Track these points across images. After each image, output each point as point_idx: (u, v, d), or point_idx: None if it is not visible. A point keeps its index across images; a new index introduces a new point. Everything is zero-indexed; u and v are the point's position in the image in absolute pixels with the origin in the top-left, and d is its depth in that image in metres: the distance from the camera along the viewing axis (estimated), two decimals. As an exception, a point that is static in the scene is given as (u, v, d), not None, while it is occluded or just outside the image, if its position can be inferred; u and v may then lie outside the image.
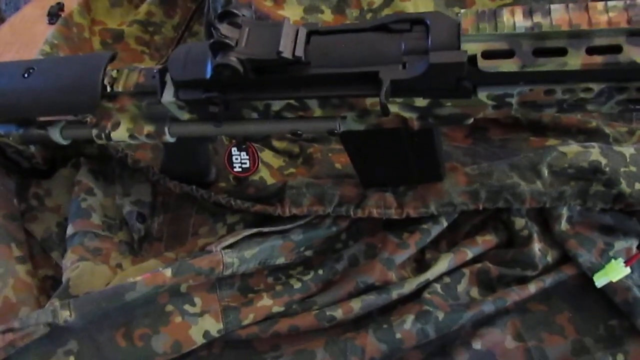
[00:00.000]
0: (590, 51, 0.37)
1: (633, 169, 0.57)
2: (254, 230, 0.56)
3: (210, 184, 0.63)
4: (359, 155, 0.54)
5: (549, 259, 0.58)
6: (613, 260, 0.43)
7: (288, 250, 0.57)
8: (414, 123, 0.45)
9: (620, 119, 0.68)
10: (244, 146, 0.58)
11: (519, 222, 0.59)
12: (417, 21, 0.41)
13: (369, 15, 0.65)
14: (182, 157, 0.58)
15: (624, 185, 0.56)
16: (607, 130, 0.64)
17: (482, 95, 0.41)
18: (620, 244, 0.60)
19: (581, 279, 0.58)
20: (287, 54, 0.41)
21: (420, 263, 0.60)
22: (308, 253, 0.59)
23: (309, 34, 0.43)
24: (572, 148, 0.58)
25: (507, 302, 0.55)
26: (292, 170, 0.65)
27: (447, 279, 0.57)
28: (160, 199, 0.65)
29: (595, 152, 0.57)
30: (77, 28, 0.72)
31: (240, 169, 0.59)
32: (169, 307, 0.53)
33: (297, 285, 0.56)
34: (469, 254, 0.58)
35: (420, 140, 0.50)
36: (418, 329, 0.53)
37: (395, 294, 0.55)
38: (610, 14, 0.37)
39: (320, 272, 0.57)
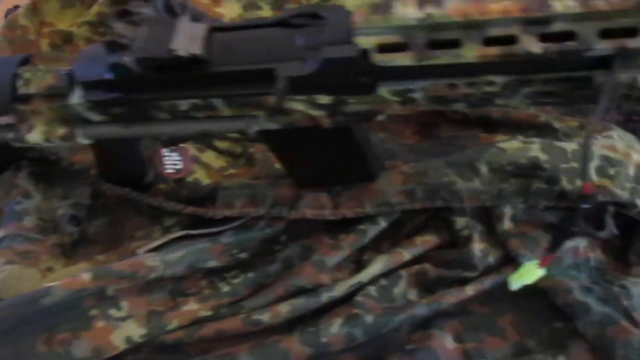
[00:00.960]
0: (486, 42, 0.35)
1: (575, 165, 0.54)
2: (181, 232, 0.55)
3: (149, 186, 0.62)
4: (284, 155, 0.52)
5: (491, 259, 0.56)
6: (527, 263, 0.41)
7: (218, 252, 0.55)
8: (324, 121, 0.44)
9: (577, 113, 0.66)
10: (173, 147, 0.56)
11: (460, 222, 0.57)
12: (316, 15, 0.40)
13: (309, 11, 0.63)
14: (112, 159, 0.57)
15: (564, 182, 0.54)
16: (557, 124, 0.62)
17: (383, 91, 0.39)
18: (566, 244, 0.58)
19: (525, 279, 0.56)
20: (181, 51, 0.40)
21: (359, 265, 0.58)
22: (243, 255, 0.58)
23: (211, 31, 0.42)
24: (512, 144, 0.56)
25: (442, 305, 0.53)
26: (232, 171, 0.64)
27: (383, 281, 0.56)
28: (101, 202, 0.64)
29: (535, 148, 0.55)
30: (21, 30, 0.71)
31: (172, 170, 0.58)
32: (94, 312, 0.52)
33: (226, 288, 0.55)
34: (406, 255, 0.56)
35: (341, 139, 0.48)
36: (345, 332, 0.51)
37: (325, 297, 0.53)
38: (505, 2, 0.35)
39: (251, 275, 0.56)
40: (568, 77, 0.36)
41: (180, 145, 0.57)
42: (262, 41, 0.41)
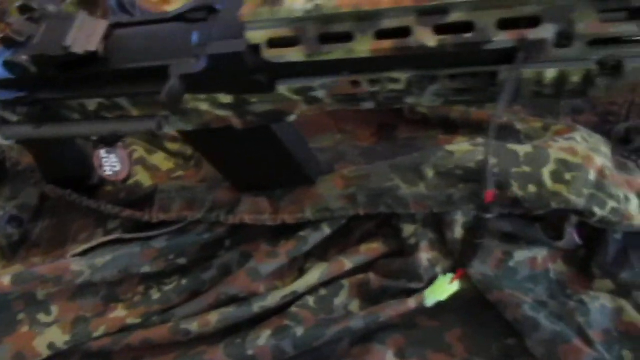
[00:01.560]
0: (379, 35, 0.32)
1: (527, 169, 0.50)
2: (113, 237, 0.54)
3: (95, 187, 0.61)
4: (212, 158, 0.50)
5: (439, 269, 0.52)
6: (441, 277, 0.37)
7: (151, 258, 0.54)
8: (235, 121, 0.41)
9: (547, 114, 0.62)
10: (111, 148, 0.55)
11: (408, 229, 0.54)
12: (213, 9, 0.37)
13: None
14: (51, 161, 0.56)
15: (515, 188, 0.50)
16: (519, 126, 0.58)
17: (283, 89, 0.37)
18: (522, 254, 0.54)
19: (477, 292, 0.52)
20: (76, 48, 0.38)
21: (302, 273, 0.56)
22: (181, 261, 0.56)
23: (111, 27, 0.40)
24: (461, 147, 0.53)
25: (380, 317, 0.50)
26: (180, 173, 0.62)
27: (323, 291, 0.53)
28: (49, 203, 0.63)
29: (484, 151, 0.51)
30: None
31: (111, 172, 0.57)
32: (21, 316, 0.51)
33: (157, 295, 0.53)
34: (348, 264, 0.53)
35: (265, 141, 0.46)
36: (273, 345, 0.48)
37: (257, 307, 0.51)
38: (397, -8, 0.31)
39: (184, 282, 0.53)
40: (473, 73, 0.33)
41: (119, 146, 0.55)
42: (160, 37, 0.39)
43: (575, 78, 0.31)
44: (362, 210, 0.53)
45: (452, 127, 0.61)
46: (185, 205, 0.55)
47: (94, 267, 0.51)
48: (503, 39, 0.30)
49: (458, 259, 0.35)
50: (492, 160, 0.50)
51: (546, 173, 0.50)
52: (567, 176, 0.50)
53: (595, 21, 0.29)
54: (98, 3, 0.80)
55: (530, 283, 0.53)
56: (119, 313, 0.51)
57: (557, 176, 0.50)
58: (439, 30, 0.31)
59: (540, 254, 0.54)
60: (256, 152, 0.47)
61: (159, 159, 0.63)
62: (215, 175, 0.60)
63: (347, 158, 0.59)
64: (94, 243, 0.53)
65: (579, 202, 0.49)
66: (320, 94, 0.37)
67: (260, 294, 0.52)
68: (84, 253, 0.53)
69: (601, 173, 0.51)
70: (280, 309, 0.52)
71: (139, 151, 0.62)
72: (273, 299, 0.51)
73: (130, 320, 0.51)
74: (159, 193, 0.56)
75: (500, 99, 0.30)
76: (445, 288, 0.37)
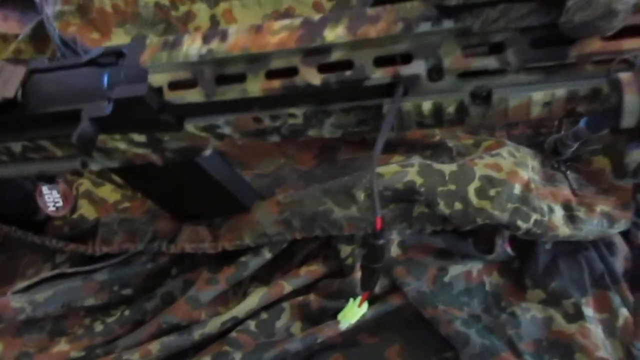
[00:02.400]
0: (269, 75, 0.34)
1: (452, 187, 0.52)
2: (55, 272, 0.55)
3: (42, 222, 0.62)
4: (145, 191, 0.52)
5: (376, 288, 0.54)
6: (351, 300, 0.38)
7: (94, 290, 0.55)
8: (154, 158, 0.43)
9: (483, 129, 0.63)
10: (52, 184, 0.56)
11: (345, 250, 0.56)
12: (121, 53, 0.39)
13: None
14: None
15: (442, 206, 0.51)
16: (451, 143, 0.59)
17: (190, 127, 0.38)
18: (457, 269, 0.55)
19: (415, 307, 0.53)
20: (-6, 96, 0.39)
21: (245, 298, 0.57)
22: (126, 292, 0.57)
23: (30, 73, 0.41)
24: (390, 168, 0.54)
25: (318, 338, 0.51)
26: (127, 204, 0.63)
27: (264, 315, 0.54)
28: (0, 240, 0.64)
29: (412, 172, 0.53)
30: None
31: (54, 208, 0.58)
32: (-35, 355, 0.52)
33: (100, 327, 0.54)
34: (287, 287, 0.54)
35: (192, 174, 0.47)
36: (211, 371, 0.49)
37: (197, 335, 0.52)
38: (281, 34, 0.33)
39: (127, 312, 0.55)
40: (362, 106, 0.34)
41: (59, 182, 0.57)
42: (74, 81, 0.40)
43: (451, 108, 0.32)
44: (299, 234, 0.55)
45: (389, 147, 0.62)
46: (127, 237, 0.56)
47: (34, 302, 0.52)
48: (380, 75, 0.32)
49: (361, 284, 0.37)
50: (419, 180, 0.52)
51: (471, 190, 0.52)
52: (492, 192, 0.52)
53: (459, 56, 0.31)
54: (49, 40, 0.82)
55: (466, 296, 0.54)
56: (63, 347, 0.52)
57: (481, 192, 0.52)
58: (322, 69, 0.33)
59: (476, 267, 0.56)
60: (186, 184, 0.49)
61: (106, 191, 0.64)
62: (160, 205, 0.62)
63: (287, 182, 0.60)
64: (35, 279, 0.54)
65: (503, 216, 0.51)
66: (226, 130, 0.38)
67: (201, 321, 0.53)
68: (26, 289, 0.54)
69: (526, 187, 0.53)
70: (221, 335, 0.53)
71: (85, 184, 0.63)
72: (213, 326, 0.52)
73: (74, 354, 0.52)
74: (101, 226, 0.57)
75: (382, 130, 0.32)
76: (355, 311, 0.38)
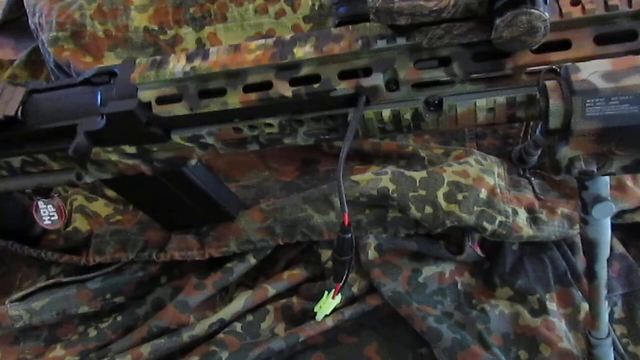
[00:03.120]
0: (246, 89, 0.38)
1: (422, 192, 0.56)
2: (50, 281, 0.58)
3: (38, 236, 0.65)
4: (136, 202, 0.55)
5: (355, 290, 0.58)
6: (326, 293, 0.42)
7: (87, 298, 0.58)
8: (144, 168, 0.47)
9: (453, 140, 0.68)
10: (47, 199, 0.59)
11: (325, 254, 0.59)
12: (113, 73, 0.43)
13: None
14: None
15: (413, 210, 0.55)
16: (423, 153, 0.64)
17: (176, 138, 0.42)
18: (430, 270, 0.59)
19: (391, 307, 0.57)
20: (-4, 114, 0.43)
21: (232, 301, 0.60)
22: (118, 300, 0.60)
23: (29, 93, 0.45)
24: (365, 176, 0.58)
25: (300, 337, 0.54)
26: (118, 217, 0.66)
27: (249, 317, 0.57)
28: (-3, 254, 0.67)
29: (385, 179, 0.57)
30: None
31: (49, 221, 0.61)
32: (-37, 364, 0.54)
33: (93, 333, 0.56)
34: (271, 290, 0.58)
35: (180, 184, 0.51)
36: (201, 370, 0.52)
37: (186, 337, 0.55)
38: (257, 52, 0.37)
39: (119, 318, 0.57)
40: (330, 115, 0.38)
41: (54, 196, 0.60)
42: (70, 99, 0.44)
43: (407, 115, 0.37)
44: (281, 240, 0.58)
45: (367, 158, 0.67)
46: (119, 247, 0.59)
47: (31, 310, 0.55)
48: (344, 87, 0.36)
49: (333, 277, 0.40)
50: (392, 187, 0.56)
51: (440, 195, 0.56)
52: (459, 196, 0.56)
53: (412, 69, 0.35)
54: (43, 65, 0.86)
55: (439, 295, 0.58)
56: (58, 352, 0.55)
57: (450, 197, 0.56)
58: (294, 82, 0.37)
59: (448, 268, 0.59)
60: (175, 194, 0.52)
61: (99, 206, 0.67)
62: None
63: (270, 193, 0.64)
64: (31, 288, 0.57)
65: (470, 218, 0.55)
66: (209, 140, 0.42)
67: (190, 324, 0.56)
68: (22, 298, 0.56)
69: (492, 191, 0.57)
70: (209, 337, 0.56)
71: (79, 199, 0.66)
72: (201, 328, 0.55)
73: (69, 359, 0.55)
74: (94, 238, 0.60)
75: (347, 134, 0.36)
76: (329, 303, 0.42)
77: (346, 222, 0.36)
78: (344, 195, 0.36)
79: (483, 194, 0.56)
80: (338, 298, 0.41)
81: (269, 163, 0.70)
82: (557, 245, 0.59)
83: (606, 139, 0.31)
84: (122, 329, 0.57)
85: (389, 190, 0.56)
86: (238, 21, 0.66)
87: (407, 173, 0.57)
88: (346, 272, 0.39)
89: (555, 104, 0.30)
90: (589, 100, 0.29)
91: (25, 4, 0.72)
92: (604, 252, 0.44)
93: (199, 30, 0.67)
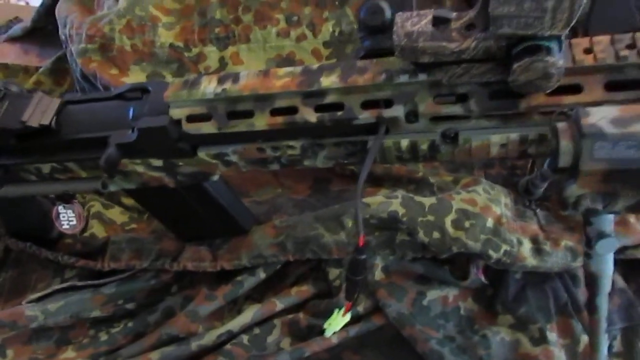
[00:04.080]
0: (273, 112, 0.40)
1: (431, 218, 0.58)
2: (66, 284, 0.59)
3: (56, 240, 0.67)
4: (155, 212, 0.57)
5: (360, 309, 0.59)
6: (336, 310, 0.44)
7: (101, 303, 0.59)
8: (168, 181, 0.49)
9: (462, 168, 0.70)
10: (68, 204, 0.61)
11: (333, 272, 0.61)
12: (145, 89, 0.45)
13: (206, 79, 0.70)
14: (13, 215, 0.62)
15: (421, 235, 0.57)
16: (432, 179, 0.66)
17: (202, 154, 0.44)
18: (434, 293, 0.60)
19: (395, 328, 0.58)
20: (33, 122, 0.45)
21: (240, 314, 0.61)
22: (130, 306, 0.61)
23: (64, 104, 0.47)
24: (376, 199, 0.60)
25: (305, 352, 0.56)
26: (133, 225, 0.68)
27: (257, 330, 0.59)
28: (13, 255, 0.69)
29: (395, 203, 0.59)
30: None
31: (68, 226, 0.63)
32: (-21, 360, 0.56)
33: (104, 337, 0.58)
34: (279, 305, 0.59)
35: (199, 197, 0.53)
36: (207, 379, 0.54)
37: (195, 346, 0.56)
38: (285, 79, 0.40)
39: (130, 324, 0.59)
40: (351, 142, 0.41)
41: (74, 202, 0.62)
42: (103, 112, 0.46)
43: (424, 146, 0.39)
44: (292, 256, 0.60)
45: (378, 181, 0.69)
46: (134, 255, 0.61)
47: (47, 312, 0.57)
48: (366, 116, 0.38)
49: (345, 295, 0.42)
50: (402, 210, 0.58)
51: (448, 221, 0.58)
52: (466, 223, 0.58)
53: (431, 103, 0.37)
54: (67, 74, 0.88)
55: (442, 319, 0.59)
56: (69, 354, 0.56)
57: (457, 224, 0.57)
58: (318, 109, 0.39)
59: (452, 292, 0.61)
60: (192, 207, 0.54)
61: (115, 213, 0.69)
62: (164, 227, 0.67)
63: (283, 210, 0.66)
64: (48, 290, 0.59)
65: (476, 246, 0.57)
66: (233, 158, 0.44)
67: (199, 333, 0.58)
68: (38, 299, 0.58)
69: (498, 220, 0.59)
70: (217, 347, 0.57)
71: (96, 206, 0.68)
72: (209, 338, 0.57)
73: (79, 361, 0.56)
74: (110, 244, 0.62)
75: (366, 161, 0.38)
76: (339, 320, 0.43)
77: (361, 243, 0.38)
78: (360, 218, 0.38)
79: (490, 222, 0.58)
80: (348, 316, 0.43)
81: (282, 180, 0.72)
82: (560, 277, 0.61)
83: (612, 180, 0.33)
84: (133, 334, 0.59)
85: (398, 213, 0.58)
86: (260, 43, 0.69)
87: (417, 198, 0.59)
88: (358, 291, 0.41)
89: (565, 144, 0.32)
90: (597, 143, 0.31)
91: (56, 15, 0.75)
92: (606, 286, 0.45)
93: (223, 50, 0.69)
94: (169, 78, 0.70)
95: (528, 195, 0.67)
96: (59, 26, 0.74)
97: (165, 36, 0.69)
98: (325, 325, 0.43)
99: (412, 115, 0.38)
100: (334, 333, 0.57)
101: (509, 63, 0.33)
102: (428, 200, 0.59)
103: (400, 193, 0.60)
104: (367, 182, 0.70)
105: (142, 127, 0.42)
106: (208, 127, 0.42)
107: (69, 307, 0.58)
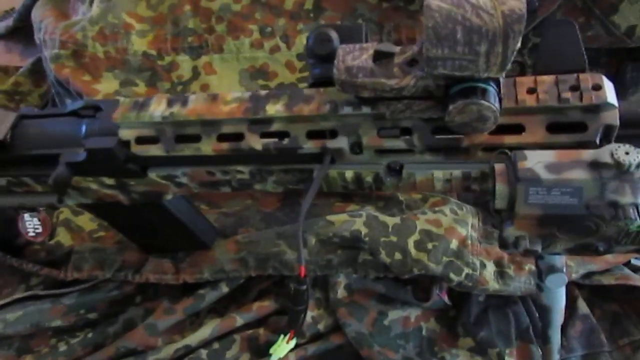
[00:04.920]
0: (220, 138, 0.40)
1: (394, 238, 0.57)
2: (28, 293, 0.59)
3: (21, 247, 0.67)
4: (116, 226, 0.57)
5: (320, 327, 0.59)
6: (281, 337, 0.43)
7: (61, 313, 0.59)
8: (122, 198, 0.48)
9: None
10: (33, 212, 0.61)
11: (296, 289, 0.60)
12: (99, 108, 0.45)
13: (179, 88, 0.69)
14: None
15: (383, 255, 0.57)
16: (402, 197, 0.65)
17: (152, 175, 0.44)
18: (396, 313, 0.60)
19: (355, 348, 0.58)
20: (-16, 137, 0.45)
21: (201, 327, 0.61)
22: (92, 316, 0.61)
23: (20, 118, 0.47)
24: (340, 217, 0.60)
25: (262, 370, 0.56)
26: (102, 233, 0.68)
27: (216, 345, 0.58)
28: (-21, 261, 0.69)
29: (359, 222, 0.58)
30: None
31: (33, 233, 0.63)
32: (-64, 368, 0.56)
33: (63, 348, 0.58)
34: (239, 320, 0.59)
35: (157, 213, 0.52)
36: (161, 395, 0.54)
37: (151, 359, 0.56)
38: (232, 105, 0.39)
39: (90, 335, 0.59)
40: (299, 169, 0.40)
41: (40, 210, 0.62)
42: (57, 129, 0.46)
43: (369, 178, 0.38)
44: (253, 272, 0.60)
45: (346, 197, 0.68)
46: (97, 265, 0.61)
47: (5, 321, 0.57)
48: (311, 146, 0.38)
49: (287, 324, 0.42)
50: (364, 230, 0.58)
51: (411, 242, 0.57)
52: (429, 245, 0.57)
53: (375, 136, 0.37)
54: (46, 76, 0.88)
55: (402, 340, 0.59)
56: (27, 364, 0.56)
57: (420, 245, 0.57)
58: (264, 136, 0.39)
59: (414, 313, 0.60)
60: (152, 221, 0.54)
61: (84, 220, 0.69)
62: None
63: (250, 222, 0.66)
64: (7, 299, 0.58)
65: (437, 268, 0.56)
66: (183, 179, 0.44)
67: (157, 347, 0.58)
68: (-1, 308, 0.58)
69: (462, 242, 0.59)
70: (173, 362, 0.57)
71: (65, 213, 0.68)
72: (167, 352, 0.56)
73: (37, 371, 0.56)
74: (74, 254, 0.62)
75: (309, 192, 0.38)
76: (283, 346, 0.43)
77: (302, 274, 0.38)
78: (302, 249, 0.38)
79: (453, 244, 0.58)
80: (293, 342, 0.43)
81: (252, 192, 0.71)
82: (523, 300, 0.60)
83: (548, 224, 0.32)
84: (92, 345, 0.58)
85: (361, 233, 0.57)
86: (234, 53, 0.68)
87: (381, 218, 0.59)
88: (301, 321, 0.40)
89: (500, 187, 0.32)
90: (532, 188, 0.31)
91: (32, 19, 0.75)
92: (558, 319, 0.45)
93: (196, 59, 0.69)
94: (141, 86, 0.70)
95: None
96: (35, 30, 0.74)
97: (138, 44, 0.68)
98: (271, 351, 0.43)
99: (357, 147, 0.37)
100: (292, 351, 0.57)
101: (444, 104, 0.32)
102: (392, 220, 0.59)
103: (365, 212, 0.60)
104: (337, 197, 0.70)
105: (91, 147, 0.42)
106: (156, 150, 0.41)
107: (28, 317, 0.58)
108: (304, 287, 0.38)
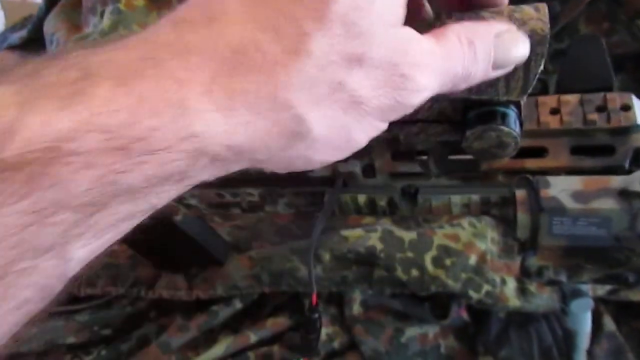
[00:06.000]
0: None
1: (410, 254, 0.56)
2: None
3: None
4: (127, 242, 0.56)
5: (336, 344, 0.58)
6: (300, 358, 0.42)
7: (75, 330, 0.59)
8: (132, 218, 0.48)
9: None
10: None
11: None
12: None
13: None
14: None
15: (399, 272, 0.55)
16: (418, 210, 0.63)
17: (160, 197, 0.43)
18: (413, 331, 0.58)
19: (372, 366, 0.57)
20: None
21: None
22: (106, 332, 0.61)
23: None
24: (354, 232, 0.58)
25: (274, 389, 0.55)
26: (114, 248, 0.67)
27: (230, 363, 0.58)
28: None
29: (374, 237, 0.57)
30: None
31: (46, 249, 0.62)
32: (-49, 385, 0.56)
33: (77, 365, 0.58)
34: (253, 337, 0.58)
35: (167, 231, 0.52)
36: (174, 415, 0.53)
37: (164, 378, 0.56)
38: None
39: (104, 352, 0.59)
40: (310, 192, 0.39)
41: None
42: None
43: (382, 202, 0.37)
44: (267, 289, 0.59)
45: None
46: (110, 281, 0.61)
47: (20, 339, 0.57)
48: (322, 169, 0.37)
49: (300, 350, 0.40)
50: (380, 246, 0.56)
51: (428, 258, 0.55)
52: (447, 261, 0.55)
53: (388, 160, 0.35)
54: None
55: (420, 358, 0.58)
56: (41, 382, 0.56)
57: (437, 261, 0.55)
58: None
59: (432, 330, 0.59)
60: (164, 239, 0.53)
61: (98, 234, 0.69)
62: (144, 251, 0.67)
63: (264, 236, 0.64)
64: (21, 317, 0.58)
65: (456, 286, 0.54)
66: (192, 201, 0.43)
67: (170, 365, 0.57)
68: (12, 326, 0.58)
69: (482, 258, 0.57)
70: (187, 381, 0.57)
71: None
72: (179, 371, 0.56)
73: (51, 389, 0.56)
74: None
75: (320, 216, 0.36)
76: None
77: (314, 302, 0.37)
78: (313, 276, 0.36)
79: (472, 260, 0.56)
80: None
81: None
82: (546, 318, 0.58)
83: (574, 255, 0.30)
84: (105, 363, 0.58)
85: (376, 249, 0.56)
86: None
87: (397, 232, 0.57)
88: (314, 348, 0.39)
89: (522, 217, 0.30)
90: (556, 219, 0.29)
91: (44, 31, 0.75)
92: (583, 343, 0.43)
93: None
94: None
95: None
96: (46, 42, 0.74)
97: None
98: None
99: (370, 170, 0.36)
100: (307, 370, 0.56)
101: (464, 127, 0.30)
102: (408, 235, 0.57)
103: (380, 226, 0.58)
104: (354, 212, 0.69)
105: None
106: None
107: (42, 334, 0.58)
108: (316, 315, 0.37)
